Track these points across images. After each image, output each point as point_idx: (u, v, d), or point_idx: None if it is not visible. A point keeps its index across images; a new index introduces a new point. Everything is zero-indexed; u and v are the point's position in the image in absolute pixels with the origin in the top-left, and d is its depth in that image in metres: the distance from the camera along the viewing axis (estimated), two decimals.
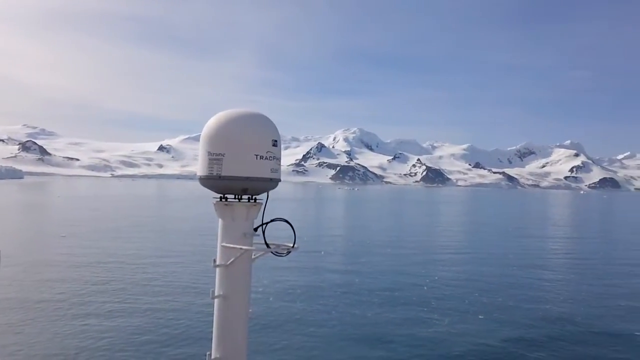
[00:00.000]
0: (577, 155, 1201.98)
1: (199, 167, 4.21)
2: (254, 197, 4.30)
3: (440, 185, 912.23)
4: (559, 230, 60.66)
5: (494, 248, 39.56)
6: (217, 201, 4.27)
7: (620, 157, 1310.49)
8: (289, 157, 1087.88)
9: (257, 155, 4.10)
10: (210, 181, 4.13)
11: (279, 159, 4.37)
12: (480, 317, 18.52)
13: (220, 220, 4.24)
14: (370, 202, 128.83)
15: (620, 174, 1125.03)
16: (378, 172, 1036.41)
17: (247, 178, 4.08)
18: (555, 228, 64.18)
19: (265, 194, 4.38)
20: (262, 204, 4.35)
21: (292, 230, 4.33)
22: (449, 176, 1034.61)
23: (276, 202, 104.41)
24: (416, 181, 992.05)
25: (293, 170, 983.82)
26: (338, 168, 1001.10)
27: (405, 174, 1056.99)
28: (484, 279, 26.02)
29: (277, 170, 4.34)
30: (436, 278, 25.53)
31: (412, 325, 17.31)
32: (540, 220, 77.61)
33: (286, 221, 4.41)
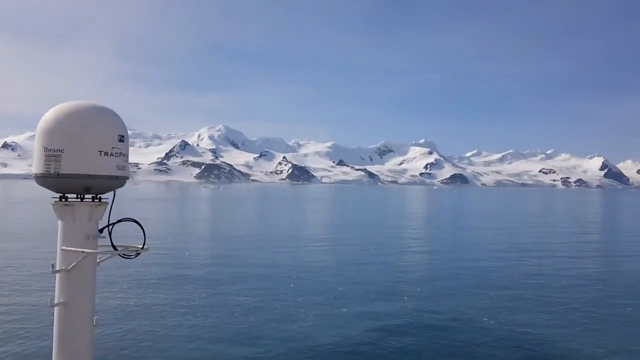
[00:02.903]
0: (430, 153, 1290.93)
1: (34, 165, 3.93)
2: (98, 196, 4.08)
3: (305, 182, 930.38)
4: (415, 222, 64.47)
5: (356, 241, 40.90)
6: (56, 201, 3.99)
7: (468, 154, 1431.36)
8: (150, 155, 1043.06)
9: (101, 152, 3.88)
10: (47, 180, 3.87)
11: (126, 155, 4.17)
12: (344, 310, 18.86)
13: (60, 221, 3.99)
14: (236, 200, 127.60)
15: (469, 170, 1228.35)
16: (244, 170, 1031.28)
17: (90, 176, 3.85)
18: (412, 221, 68.16)
19: (112, 192, 4.16)
20: (108, 203, 4.13)
21: (142, 231, 4.17)
22: (314, 173, 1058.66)
23: (135, 202, 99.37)
24: (282, 179, 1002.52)
25: (155, 169, 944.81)
26: (203, 166, 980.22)
27: (271, 172, 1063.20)
28: (346, 272, 26.68)
29: (124, 167, 4.14)
30: (302, 274, 25.68)
31: (279, 321, 17.18)
32: (399, 214, 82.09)
33: (135, 221, 4.22)
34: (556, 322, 17.83)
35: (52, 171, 3.80)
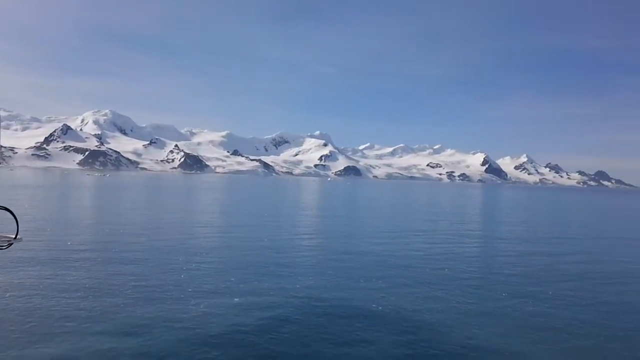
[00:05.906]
0: (325, 145, 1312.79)
1: None
2: None
3: (198, 171, 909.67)
4: (309, 212, 65.29)
5: (249, 231, 40.73)
6: None
7: (361, 147, 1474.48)
8: (28, 139, 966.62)
9: None
10: None
11: None
12: (235, 299, 18.72)
13: None
14: (122, 189, 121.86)
15: (362, 163, 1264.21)
16: (132, 157, 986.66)
17: None
18: (305, 210, 68.98)
19: None
20: None
21: (15, 220, 3.92)
22: (207, 163, 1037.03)
23: (10, 189, 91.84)
24: (174, 167, 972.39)
25: (33, 154, 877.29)
26: (87, 152, 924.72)
27: (162, 160, 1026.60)
28: (238, 261, 26.51)
29: None
30: (192, 264, 25.12)
31: (168, 311, 16.75)
32: (293, 204, 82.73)
33: (7, 209, 3.95)
34: (438, 306, 18.88)
35: None
